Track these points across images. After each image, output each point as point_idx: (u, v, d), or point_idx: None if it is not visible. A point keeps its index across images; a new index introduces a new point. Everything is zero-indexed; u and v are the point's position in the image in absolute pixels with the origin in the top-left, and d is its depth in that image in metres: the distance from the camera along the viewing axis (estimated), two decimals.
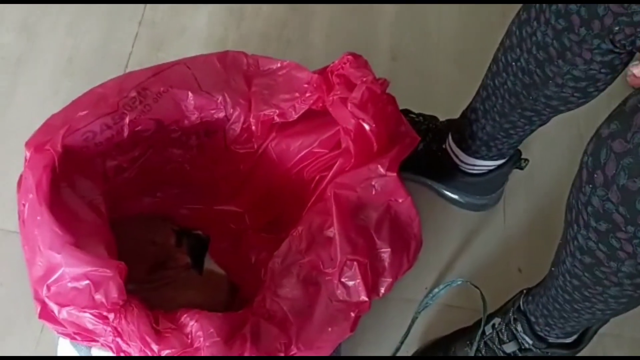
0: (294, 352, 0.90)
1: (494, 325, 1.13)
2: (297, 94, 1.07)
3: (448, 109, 1.28)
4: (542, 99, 0.98)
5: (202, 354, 0.85)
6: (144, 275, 1.05)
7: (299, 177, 1.17)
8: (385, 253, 0.98)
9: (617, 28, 0.79)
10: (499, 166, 1.25)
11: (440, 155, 1.28)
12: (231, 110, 1.09)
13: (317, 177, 1.15)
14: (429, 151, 1.28)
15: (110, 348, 0.86)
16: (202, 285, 1.09)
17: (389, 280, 0.98)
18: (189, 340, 0.86)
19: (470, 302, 1.23)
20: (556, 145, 1.43)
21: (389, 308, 1.24)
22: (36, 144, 0.94)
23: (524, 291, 1.10)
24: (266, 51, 1.14)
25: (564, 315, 0.98)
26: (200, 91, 1.06)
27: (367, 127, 1.00)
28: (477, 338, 1.13)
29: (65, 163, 0.94)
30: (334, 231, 0.96)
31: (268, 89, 1.10)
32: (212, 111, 1.08)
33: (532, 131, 1.11)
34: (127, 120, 1.01)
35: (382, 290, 0.97)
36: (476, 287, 1.20)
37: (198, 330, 0.86)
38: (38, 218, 0.88)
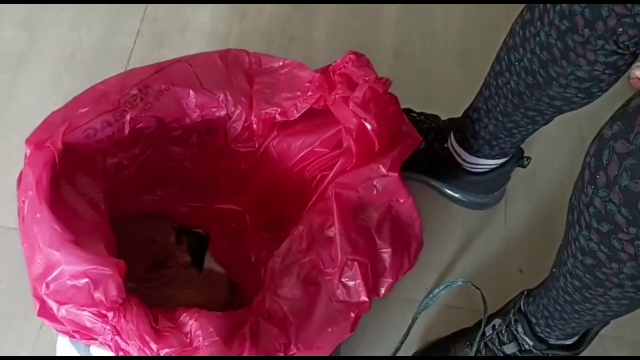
0: (293, 352, 0.90)
1: (494, 326, 1.12)
2: (298, 93, 1.07)
3: (450, 109, 1.28)
4: (545, 99, 0.98)
5: (201, 354, 0.85)
6: (144, 273, 1.05)
7: (300, 176, 1.17)
8: (386, 253, 0.98)
9: (620, 29, 0.79)
10: (502, 165, 1.25)
11: (442, 155, 1.28)
12: (232, 108, 1.09)
13: (318, 177, 1.15)
14: (431, 150, 1.28)
15: (109, 346, 0.86)
16: (201, 284, 1.09)
17: (390, 280, 0.97)
18: (188, 340, 0.85)
19: (470, 302, 1.22)
20: (558, 146, 1.42)
21: (389, 308, 1.24)
22: (36, 141, 0.94)
23: (525, 292, 1.09)
24: (268, 49, 1.14)
25: (564, 317, 0.97)
26: (202, 89, 1.06)
27: (369, 126, 1.00)
28: (478, 339, 1.13)
29: (66, 160, 0.94)
30: (334, 231, 0.95)
31: (270, 87, 1.09)
32: (214, 109, 1.08)
33: (535, 130, 1.11)
34: (128, 117, 1.01)
35: (383, 290, 0.97)
36: (477, 287, 1.20)
37: (197, 329, 0.86)
38: (38, 215, 0.87)
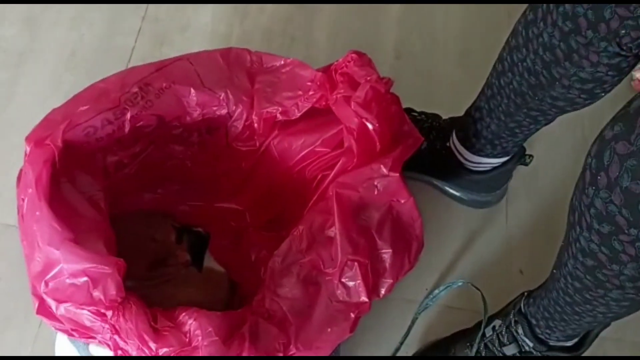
0: (292, 352, 0.90)
1: (494, 327, 1.12)
2: (300, 92, 1.07)
3: (450, 109, 1.28)
4: (548, 100, 0.98)
5: (200, 354, 0.84)
6: (144, 271, 1.05)
7: (300, 175, 1.17)
8: (387, 254, 0.98)
9: (623, 31, 0.79)
10: (504, 163, 1.25)
11: (444, 154, 1.28)
12: (233, 107, 1.09)
13: (319, 176, 1.15)
14: (432, 149, 1.28)
15: (108, 345, 0.86)
16: (201, 283, 1.09)
17: (390, 281, 0.97)
18: (187, 339, 0.85)
19: (470, 303, 1.22)
20: (560, 146, 1.42)
21: (389, 308, 1.24)
22: (36, 139, 0.93)
23: (525, 293, 1.09)
24: (270, 49, 1.14)
25: (565, 318, 0.97)
26: (203, 88, 1.06)
27: (370, 126, 0.99)
28: (478, 340, 1.13)
29: (66, 158, 0.94)
30: (335, 231, 0.95)
31: (271, 86, 1.09)
32: (215, 108, 1.08)
33: (537, 129, 1.11)
34: (128, 115, 1.01)
35: (383, 291, 0.97)
36: (477, 288, 1.20)
37: (196, 329, 0.85)
38: (37, 213, 0.87)
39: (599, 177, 0.70)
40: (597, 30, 0.82)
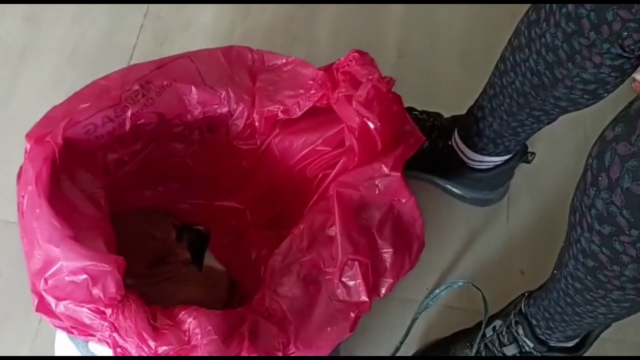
0: (292, 351, 0.90)
1: (494, 327, 1.12)
2: (301, 91, 1.07)
3: (452, 108, 1.28)
4: (550, 100, 0.98)
5: (199, 352, 0.84)
6: (144, 269, 1.05)
7: (301, 174, 1.16)
8: (387, 253, 0.97)
9: (625, 33, 0.79)
10: (506, 161, 1.25)
11: (446, 152, 1.28)
12: (235, 105, 1.08)
13: (319, 175, 1.14)
14: (434, 148, 1.28)
15: (107, 343, 0.86)
16: (201, 281, 1.09)
17: (390, 280, 0.97)
18: (186, 338, 0.85)
19: (471, 303, 1.22)
20: (562, 146, 1.42)
21: (390, 308, 1.24)
22: (37, 136, 0.93)
23: (526, 294, 1.09)
24: (271, 48, 1.13)
25: (565, 319, 0.97)
26: (204, 86, 1.06)
27: (371, 125, 0.99)
28: (478, 340, 1.13)
29: (66, 155, 0.94)
30: (335, 230, 0.95)
31: (272, 84, 1.09)
32: (216, 106, 1.08)
33: (540, 128, 1.11)
34: (129, 113, 1.01)
35: (383, 290, 0.97)
36: (478, 288, 1.20)
37: (196, 327, 0.85)
38: (37, 210, 0.87)
39: (600, 178, 0.70)
40: (599, 32, 0.81)
